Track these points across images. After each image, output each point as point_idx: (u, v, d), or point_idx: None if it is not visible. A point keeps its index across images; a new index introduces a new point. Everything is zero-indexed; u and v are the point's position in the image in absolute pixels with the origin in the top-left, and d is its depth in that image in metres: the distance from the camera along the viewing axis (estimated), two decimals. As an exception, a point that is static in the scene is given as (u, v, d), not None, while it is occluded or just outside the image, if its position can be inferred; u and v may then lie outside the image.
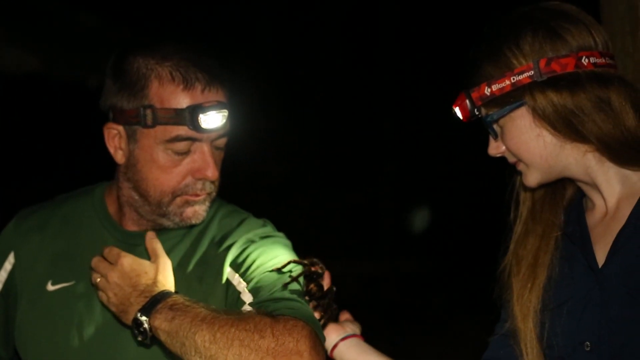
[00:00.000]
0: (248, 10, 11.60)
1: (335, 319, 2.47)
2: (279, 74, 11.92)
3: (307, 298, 2.34)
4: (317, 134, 12.10)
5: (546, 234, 2.25)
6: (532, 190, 2.27)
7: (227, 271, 2.35)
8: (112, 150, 2.37)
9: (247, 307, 2.25)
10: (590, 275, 2.15)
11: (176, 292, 2.26)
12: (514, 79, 2.11)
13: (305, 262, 2.35)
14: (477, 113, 2.19)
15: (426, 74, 11.73)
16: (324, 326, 2.33)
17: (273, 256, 2.34)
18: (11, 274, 2.49)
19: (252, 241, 2.38)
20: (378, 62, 12.41)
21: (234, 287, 2.32)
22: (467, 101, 2.19)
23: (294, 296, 2.24)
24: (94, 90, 2.42)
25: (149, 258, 2.34)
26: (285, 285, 2.26)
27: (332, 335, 2.49)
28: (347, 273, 8.92)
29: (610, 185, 2.15)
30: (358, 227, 11.30)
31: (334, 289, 2.35)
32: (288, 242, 2.43)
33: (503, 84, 2.12)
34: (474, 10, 10.98)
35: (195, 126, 2.27)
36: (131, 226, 2.43)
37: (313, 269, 2.35)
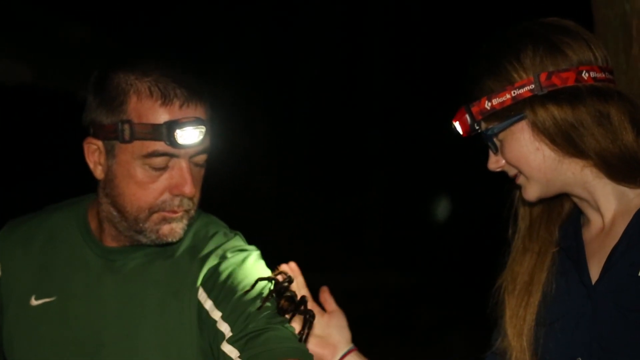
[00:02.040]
0: (236, 20, 11.62)
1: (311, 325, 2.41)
2: (266, 84, 11.93)
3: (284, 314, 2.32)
4: (304, 146, 12.11)
5: (542, 251, 2.26)
6: (531, 205, 2.28)
7: (199, 291, 2.34)
8: (91, 166, 2.37)
9: (227, 347, 2.24)
10: (584, 291, 2.16)
11: None
12: (514, 92, 2.12)
13: (272, 275, 2.33)
14: (477, 127, 2.20)
15: (413, 85, 11.75)
16: (306, 338, 2.30)
17: (243, 276, 2.33)
18: None
19: (223, 257, 2.37)
20: (366, 73, 12.43)
21: (206, 312, 2.32)
22: (467, 116, 2.19)
23: (273, 322, 2.24)
24: (83, 101, 2.42)
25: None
26: (259, 309, 2.25)
27: (327, 357, 2.48)
28: (333, 285, 8.90)
29: (607, 201, 2.16)
30: (345, 240, 11.30)
31: (305, 298, 2.32)
32: (258, 255, 2.42)
33: (504, 98, 2.13)
34: (461, 23, 11.02)
35: (172, 142, 2.26)
36: (110, 242, 2.42)
37: (281, 278, 2.33)
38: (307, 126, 12.18)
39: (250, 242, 2.48)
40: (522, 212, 2.31)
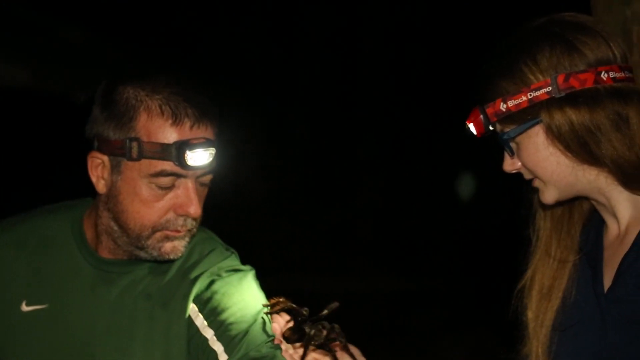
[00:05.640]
0: (231, 25, 11.61)
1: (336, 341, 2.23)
2: (259, 89, 11.93)
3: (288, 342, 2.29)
4: (298, 151, 12.11)
5: (564, 257, 2.23)
6: (550, 208, 2.24)
7: (190, 306, 2.34)
8: (94, 179, 2.35)
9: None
10: (595, 299, 2.14)
11: None
12: (530, 94, 2.07)
13: (272, 304, 2.28)
14: (491, 129, 2.16)
15: (407, 91, 11.76)
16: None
17: (239, 297, 2.32)
18: None
19: (218, 276, 2.36)
20: (358, 81, 12.44)
21: (197, 328, 2.31)
22: (482, 117, 2.15)
23: (274, 348, 2.23)
24: (81, 105, 2.39)
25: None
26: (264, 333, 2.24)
27: None
28: (326, 291, 8.91)
29: (623, 208, 2.13)
30: (337, 244, 11.31)
31: (309, 328, 2.20)
32: (253, 276, 2.41)
33: (519, 100, 2.09)
34: (456, 29, 11.04)
35: (182, 163, 2.25)
36: (107, 254, 2.40)
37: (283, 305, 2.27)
38: (301, 131, 12.17)
39: (244, 247, 2.48)
40: (543, 213, 2.27)
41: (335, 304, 2.19)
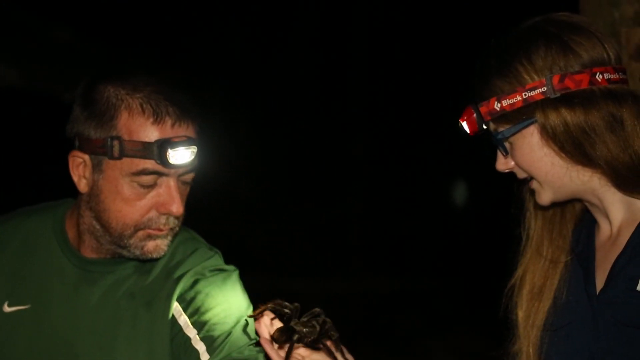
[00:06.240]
0: (219, 25, 11.61)
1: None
2: (247, 91, 11.92)
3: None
4: (287, 151, 12.11)
5: (555, 257, 2.22)
6: (543, 208, 2.23)
7: (174, 305, 2.34)
8: (75, 179, 2.34)
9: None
10: (587, 300, 2.13)
11: None
12: (525, 94, 2.06)
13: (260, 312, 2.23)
14: (484, 127, 2.15)
15: (396, 91, 11.77)
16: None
17: (223, 298, 2.32)
18: None
19: (202, 275, 2.36)
20: (348, 80, 12.45)
21: (180, 327, 2.31)
22: (475, 115, 2.14)
23: (255, 350, 2.24)
24: (69, 105, 2.39)
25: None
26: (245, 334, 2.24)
27: None
28: (316, 290, 8.92)
29: (616, 209, 2.13)
30: (327, 245, 11.30)
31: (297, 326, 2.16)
32: (237, 276, 2.41)
33: (514, 100, 2.08)
34: (445, 30, 11.05)
35: (163, 161, 2.24)
36: (90, 253, 2.39)
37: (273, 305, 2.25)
38: (290, 131, 12.17)
39: (233, 248, 2.47)
40: (534, 212, 2.25)
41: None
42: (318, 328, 2.13)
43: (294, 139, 12.13)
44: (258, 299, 2.31)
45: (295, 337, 2.11)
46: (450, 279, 9.90)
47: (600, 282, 2.13)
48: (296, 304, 2.17)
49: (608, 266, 2.11)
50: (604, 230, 2.17)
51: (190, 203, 2.39)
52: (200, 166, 2.35)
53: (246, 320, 2.29)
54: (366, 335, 8.68)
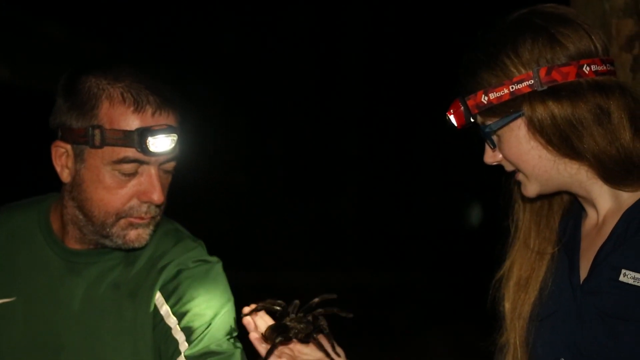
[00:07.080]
0: (213, 20, 11.61)
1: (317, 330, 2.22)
2: (242, 85, 11.94)
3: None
4: (281, 145, 12.12)
5: (542, 249, 2.22)
6: (531, 201, 2.23)
7: (157, 295, 2.35)
8: (58, 169, 2.36)
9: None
10: (571, 290, 2.14)
11: None
12: (512, 87, 2.05)
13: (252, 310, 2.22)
14: (472, 120, 2.14)
15: (390, 88, 11.79)
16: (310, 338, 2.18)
17: (205, 289, 2.33)
18: None
19: (185, 266, 2.38)
20: (342, 75, 12.46)
21: (161, 317, 2.33)
22: (463, 108, 2.13)
23: (235, 345, 2.26)
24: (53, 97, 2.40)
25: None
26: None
27: None
28: (309, 284, 8.93)
29: (603, 200, 2.12)
30: (321, 240, 11.32)
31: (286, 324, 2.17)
32: (220, 267, 2.42)
33: (501, 93, 2.06)
34: (438, 28, 11.06)
35: (144, 149, 2.26)
36: (74, 244, 2.41)
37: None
38: (285, 127, 12.18)
39: (225, 241, 2.47)
40: (522, 205, 2.25)
41: (331, 295, 2.20)
42: (312, 323, 2.14)
43: (290, 135, 12.14)
44: (253, 293, 2.32)
45: (292, 332, 2.13)
46: (446, 272, 9.92)
47: (584, 272, 2.13)
48: (296, 301, 2.18)
49: (592, 255, 2.11)
50: (592, 218, 2.17)
51: (187, 199, 2.40)
52: (182, 156, 2.36)
53: (228, 312, 2.31)
54: (362, 329, 8.69)
